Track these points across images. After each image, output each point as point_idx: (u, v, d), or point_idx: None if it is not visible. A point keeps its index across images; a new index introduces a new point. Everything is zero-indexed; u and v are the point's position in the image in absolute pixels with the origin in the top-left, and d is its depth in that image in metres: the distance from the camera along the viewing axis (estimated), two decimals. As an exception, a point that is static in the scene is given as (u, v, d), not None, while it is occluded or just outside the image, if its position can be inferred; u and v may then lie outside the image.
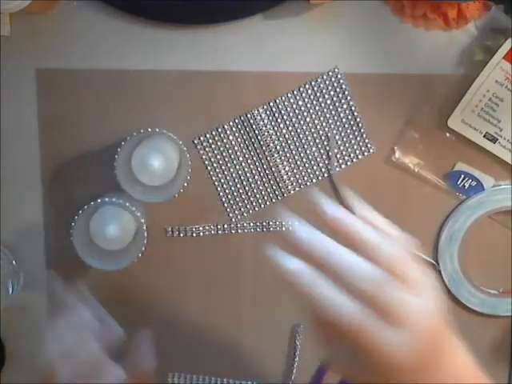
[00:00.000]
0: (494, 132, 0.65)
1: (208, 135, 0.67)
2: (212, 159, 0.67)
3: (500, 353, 0.69)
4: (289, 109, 0.67)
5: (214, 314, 0.67)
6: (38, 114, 0.66)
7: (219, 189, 0.67)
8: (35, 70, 0.66)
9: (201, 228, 0.67)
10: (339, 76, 0.66)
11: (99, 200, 0.60)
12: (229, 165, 0.67)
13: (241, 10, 0.65)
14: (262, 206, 0.68)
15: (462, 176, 0.67)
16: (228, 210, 0.68)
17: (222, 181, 0.67)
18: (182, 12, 0.65)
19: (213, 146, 0.67)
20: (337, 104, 0.67)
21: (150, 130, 0.61)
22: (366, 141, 0.67)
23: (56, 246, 0.67)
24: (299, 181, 0.68)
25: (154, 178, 0.61)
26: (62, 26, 0.65)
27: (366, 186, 0.67)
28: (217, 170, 0.67)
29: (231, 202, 0.68)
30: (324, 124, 0.67)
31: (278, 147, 0.67)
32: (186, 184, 0.61)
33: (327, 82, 0.67)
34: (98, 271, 0.61)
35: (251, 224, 0.67)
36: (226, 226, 0.67)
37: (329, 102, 0.67)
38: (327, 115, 0.67)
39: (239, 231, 0.67)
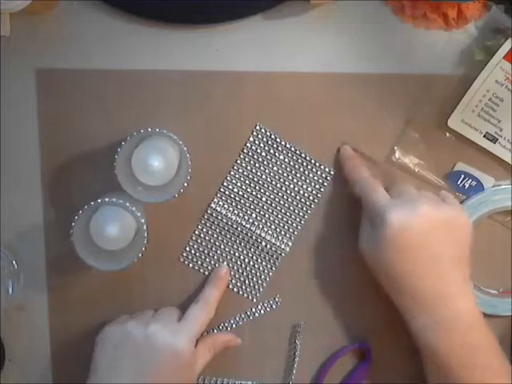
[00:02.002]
0: (494, 132, 0.65)
1: (188, 247, 0.67)
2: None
3: (500, 353, 0.69)
4: (239, 183, 0.67)
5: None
6: (38, 114, 0.66)
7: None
8: (35, 70, 0.66)
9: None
10: (263, 130, 0.66)
11: (99, 200, 0.60)
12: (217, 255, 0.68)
13: (241, 10, 0.65)
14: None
15: (462, 176, 0.67)
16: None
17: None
18: (182, 12, 0.65)
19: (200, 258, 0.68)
20: (277, 154, 0.67)
21: (150, 129, 0.60)
22: (322, 167, 0.67)
23: (56, 246, 0.67)
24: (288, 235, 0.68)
25: (154, 178, 0.61)
26: (62, 25, 0.65)
27: (366, 185, 0.67)
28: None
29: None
30: (277, 177, 0.67)
31: (251, 227, 0.68)
32: (186, 184, 0.61)
33: (257, 142, 0.67)
34: (97, 271, 0.61)
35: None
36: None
37: (269, 157, 0.67)
38: (274, 168, 0.67)
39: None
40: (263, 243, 0.68)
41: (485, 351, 0.60)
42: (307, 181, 0.67)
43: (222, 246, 0.68)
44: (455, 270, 0.60)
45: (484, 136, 0.66)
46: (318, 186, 0.67)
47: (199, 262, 0.68)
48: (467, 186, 0.67)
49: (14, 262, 0.67)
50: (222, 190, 0.67)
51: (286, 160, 0.67)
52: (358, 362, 0.68)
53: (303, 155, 0.67)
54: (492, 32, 0.65)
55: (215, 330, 0.67)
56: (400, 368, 0.68)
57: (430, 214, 0.60)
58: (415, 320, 0.60)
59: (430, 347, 0.60)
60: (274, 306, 0.68)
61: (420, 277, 0.60)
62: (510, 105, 0.65)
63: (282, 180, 0.67)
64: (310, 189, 0.67)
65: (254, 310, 0.68)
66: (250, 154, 0.67)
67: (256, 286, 0.68)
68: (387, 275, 0.61)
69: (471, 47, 0.66)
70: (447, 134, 0.67)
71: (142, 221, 0.61)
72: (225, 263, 0.67)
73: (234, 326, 0.67)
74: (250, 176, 0.67)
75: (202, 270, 0.68)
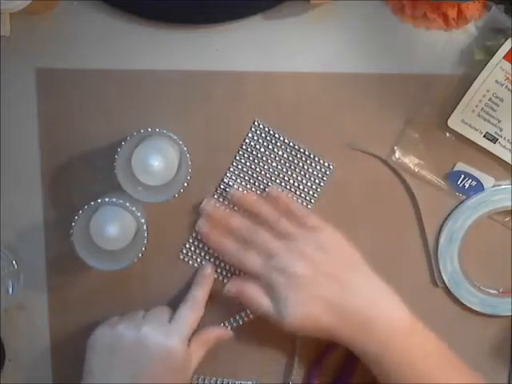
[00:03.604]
0: (494, 132, 0.65)
1: (188, 244, 0.67)
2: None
3: (500, 353, 0.69)
4: (239, 180, 0.67)
5: (213, 314, 0.67)
6: (38, 114, 0.66)
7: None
8: (35, 70, 0.66)
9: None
10: (261, 126, 0.66)
11: (99, 200, 0.60)
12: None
13: (241, 10, 0.65)
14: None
15: (462, 176, 0.67)
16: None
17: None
18: (181, 12, 0.65)
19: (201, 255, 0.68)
20: (275, 149, 0.67)
21: (150, 129, 0.61)
22: (321, 161, 0.67)
23: (56, 246, 0.67)
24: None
25: (154, 178, 0.61)
26: (62, 25, 0.65)
27: (366, 185, 0.67)
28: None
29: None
30: (277, 173, 0.67)
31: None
32: (186, 184, 0.61)
33: (255, 138, 0.67)
34: (97, 271, 0.61)
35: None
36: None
37: (268, 152, 0.67)
38: (274, 163, 0.67)
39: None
40: None
41: (429, 355, 0.60)
42: (307, 176, 0.67)
43: None
44: (368, 284, 0.63)
45: (484, 136, 0.66)
46: (317, 181, 0.67)
47: (199, 259, 0.68)
48: (467, 186, 0.67)
49: (14, 262, 0.67)
50: (221, 186, 0.67)
51: (285, 155, 0.67)
52: (345, 358, 0.68)
53: (302, 150, 0.67)
54: (492, 32, 0.65)
55: None
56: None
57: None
58: (357, 350, 0.61)
59: (377, 367, 0.61)
60: (274, 306, 0.68)
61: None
62: (510, 105, 0.65)
63: (281, 175, 0.67)
64: (309, 184, 0.67)
65: (253, 309, 0.68)
66: (249, 150, 0.67)
67: None
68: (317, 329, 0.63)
69: (471, 47, 0.66)
70: (447, 134, 0.67)
71: (142, 221, 0.61)
72: (211, 261, 0.67)
73: (234, 325, 0.67)
74: (250, 172, 0.67)
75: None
